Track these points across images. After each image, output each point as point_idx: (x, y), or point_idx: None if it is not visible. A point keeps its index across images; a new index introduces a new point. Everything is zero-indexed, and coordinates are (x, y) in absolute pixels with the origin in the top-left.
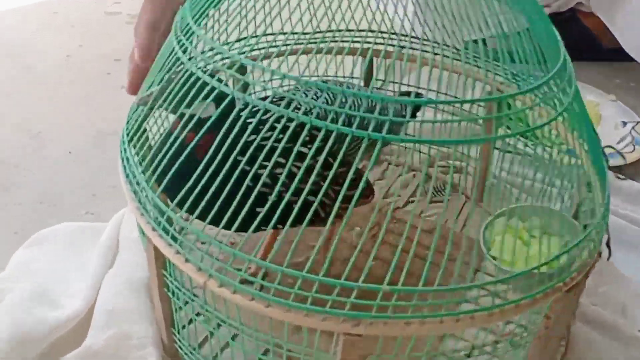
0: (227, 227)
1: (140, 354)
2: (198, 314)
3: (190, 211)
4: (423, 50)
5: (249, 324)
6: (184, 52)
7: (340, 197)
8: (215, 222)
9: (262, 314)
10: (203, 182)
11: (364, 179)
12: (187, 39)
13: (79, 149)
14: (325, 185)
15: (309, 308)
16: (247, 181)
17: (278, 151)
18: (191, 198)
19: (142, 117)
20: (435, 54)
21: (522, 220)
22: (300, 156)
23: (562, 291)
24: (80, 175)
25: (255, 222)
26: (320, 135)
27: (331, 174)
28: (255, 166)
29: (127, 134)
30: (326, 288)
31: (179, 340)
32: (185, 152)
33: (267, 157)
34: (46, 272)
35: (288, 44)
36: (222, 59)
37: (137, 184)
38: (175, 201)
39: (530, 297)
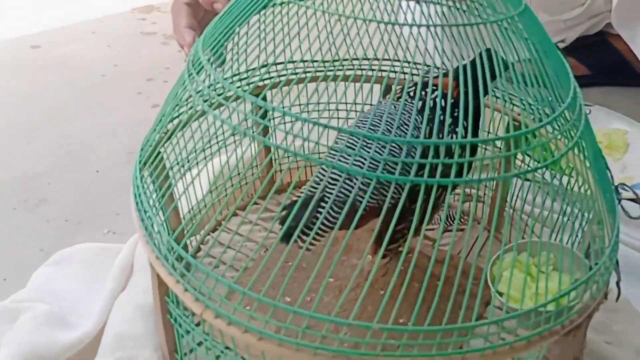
0: None
1: None
2: (200, 343)
3: None
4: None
5: (256, 355)
6: (191, 84)
7: None
8: None
9: (254, 347)
10: None
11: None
12: (197, 73)
13: (106, 167)
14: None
15: (300, 343)
16: None
17: None
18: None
19: (156, 142)
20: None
21: (531, 255)
22: None
23: (560, 334)
24: (105, 194)
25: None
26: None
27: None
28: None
29: (141, 161)
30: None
31: None
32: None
33: None
34: (63, 292)
35: (308, 71)
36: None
37: (145, 212)
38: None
39: (525, 339)
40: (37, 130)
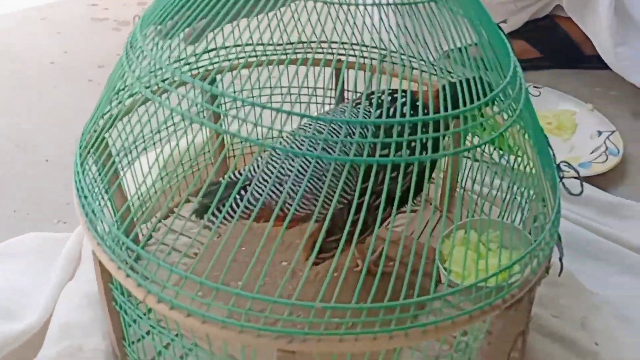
0: None
1: None
2: (148, 332)
3: None
4: (393, 63)
5: (199, 338)
6: (132, 70)
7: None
8: None
9: (198, 331)
10: None
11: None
12: (136, 57)
13: (56, 157)
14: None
15: (244, 325)
16: None
17: None
18: None
19: (102, 128)
20: (404, 66)
21: (479, 233)
22: None
23: (501, 308)
24: (55, 183)
25: None
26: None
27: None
28: None
29: (81, 146)
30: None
31: (131, 354)
32: None
33: None
34: (8, 283)
35: (258, 55)
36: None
37: (85, 197)
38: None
39: (466, 313)
40: None
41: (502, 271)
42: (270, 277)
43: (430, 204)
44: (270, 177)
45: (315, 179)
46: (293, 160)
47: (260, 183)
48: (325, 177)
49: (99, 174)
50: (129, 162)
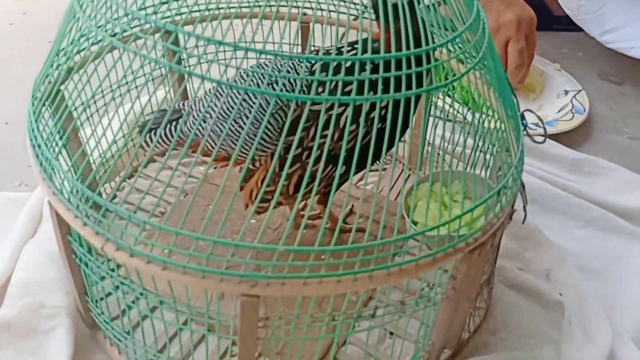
0: None
1: (52, 323)
2: (117, 287)
3: None
4: (339, 12)
5: (167, 295)
6: (90, 18)
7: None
8: None
9: (159, 277)
10: None
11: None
12: (92, 2)
13: (16, 119)
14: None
15: (205, 270)
16: None
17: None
18: None
19: (59, 80)
20: (365, 18)
21: (444, 185)
22: None
23: (464, 252)
24: (16, 146)
25: None
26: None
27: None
28: None
29: (34, 96)
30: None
31: (94, 309)
32: None
33: None
34: None
35: (220, 9)
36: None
37: (39, 146)
38: None
39: (429, 256)
40: None
41: (464, 214)
42: (238, 234)
43: (400, 162)
44: (206, 112)
45: (243, 117)
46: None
47: (196, 117)
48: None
49: (56, 128)
50: (87, 118)
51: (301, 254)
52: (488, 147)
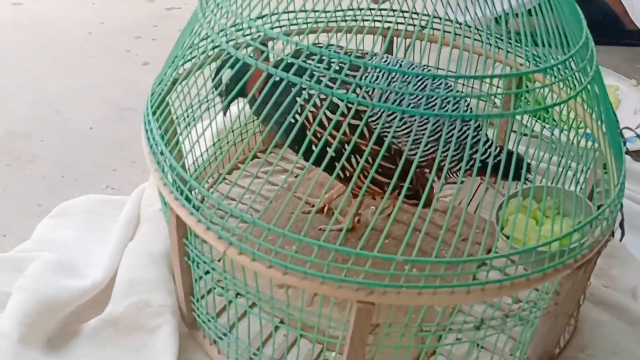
0: None
1: (158, 321)
2: (218, 281)
3: None
4: (445, 31)
5: (266, 296)
6: (210, 25)
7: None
8: None
9: (279, 282)
10: None
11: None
12: (212, 13)
13: (99, 124)
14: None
15: (325, 276)
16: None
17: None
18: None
19: (165, 91)
20: (457, 34)
21: (536, 200)
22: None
23: (573, 268)
24: (101, 150)
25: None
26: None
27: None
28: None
29: (151, 106)
30: (342, 259)
31: (197, 309)
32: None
33: None
34: (69, 242)
35: (309, 22)
36: (249, 32)
37: (161, 153)
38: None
39: (540, 271)
40: (22, 88)
41: (576, 230)
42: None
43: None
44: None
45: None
46: None
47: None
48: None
49: (160, 137)
50: (186, 127)
51: (385, 263)
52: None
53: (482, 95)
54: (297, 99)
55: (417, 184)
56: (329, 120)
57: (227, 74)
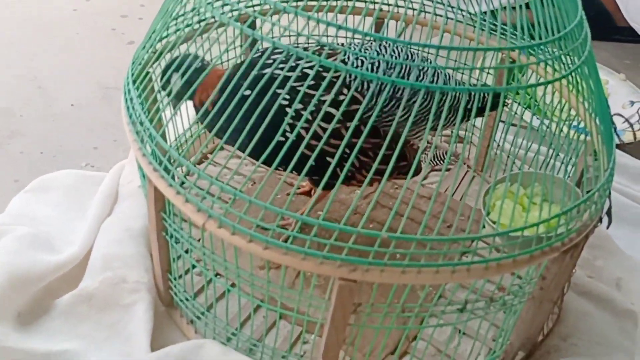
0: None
1: (133, 298)
2: (197, 260)
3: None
4: (435, 14)
5: (246, 274)
6: None
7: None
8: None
9: (260, 256)
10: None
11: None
12: None
13: (82, 102)
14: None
15: (307, 252)
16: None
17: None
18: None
19: (145, 61)
20: (449, 18)
21: (523, 186)
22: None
23: (560, 251)
24: (82, 128)
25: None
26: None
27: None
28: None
29: (132, 74)
30: (326, 236)
31: (175, 287)
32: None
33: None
34: (44, 217)
35: (299, 2)
36: (231, 10)
37: (141, 123)
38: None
39: (527, 252)
40: (3, 63)
41: (564, 213)
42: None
43: (465, 164)
44: None
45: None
46: None
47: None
48: None
49: (140, 105)
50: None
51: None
52: (566, 156)
53: (474, 68)
54: (287, 109)
55: (411, 158)
56: (325, 130)
57: (176, 76)
